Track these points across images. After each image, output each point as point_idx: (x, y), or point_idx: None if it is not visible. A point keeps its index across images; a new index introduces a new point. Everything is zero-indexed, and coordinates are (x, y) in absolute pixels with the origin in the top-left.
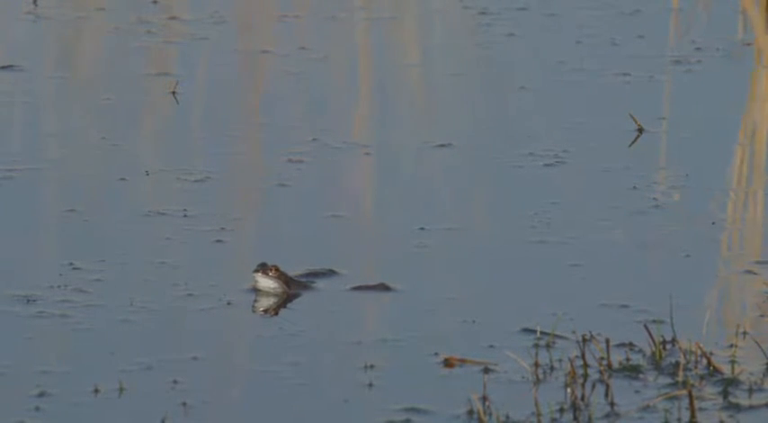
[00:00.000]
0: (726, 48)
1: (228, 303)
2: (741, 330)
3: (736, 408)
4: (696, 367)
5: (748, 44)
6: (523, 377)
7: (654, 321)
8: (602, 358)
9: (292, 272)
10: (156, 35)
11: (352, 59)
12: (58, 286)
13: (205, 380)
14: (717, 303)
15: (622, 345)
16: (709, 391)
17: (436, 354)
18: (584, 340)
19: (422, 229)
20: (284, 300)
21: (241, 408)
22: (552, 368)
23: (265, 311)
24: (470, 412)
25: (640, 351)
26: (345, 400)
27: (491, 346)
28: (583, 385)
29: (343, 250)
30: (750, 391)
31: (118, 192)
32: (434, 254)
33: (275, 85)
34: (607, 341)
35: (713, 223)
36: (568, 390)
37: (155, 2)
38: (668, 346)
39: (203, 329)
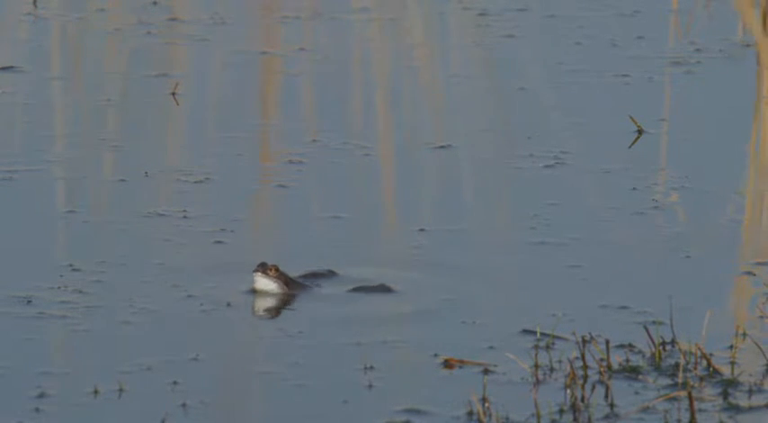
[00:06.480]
0: (725, 49)
1: (228, 304)
2: (741, 331)
3: (736, 409)
4: (696, 368)
5: (748, 45)
6: (523, 378)
7: (654, 322)
8: (601, 359)
9: (292, 272)
10: (156, 36)
11: (351, 60)
12: (58, 287)
13: (205, 380)
14: (717, 304)
15: (622, 346)
16: (709, 392)
17: (436, 355)
18: (584, 341)
19: (422, 229)
20: (284, 300)
21: (241, 408)
22: (552, 369)
23: (265, 312)
24: (470, 413)
25: (640, 352)
26: (345, 401)
27: (491, 348)
28: (582, 386)
29: (343, 251)
30: (750, 392)
31: (118, 192)
32: (434, 255)
33: (275, 86)
34: (607, 342)
35: None
36: (568, 391)
37: (155, 3)
38: (668, 348)
39: (203, 330)
